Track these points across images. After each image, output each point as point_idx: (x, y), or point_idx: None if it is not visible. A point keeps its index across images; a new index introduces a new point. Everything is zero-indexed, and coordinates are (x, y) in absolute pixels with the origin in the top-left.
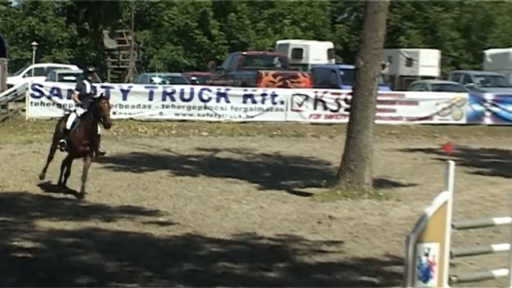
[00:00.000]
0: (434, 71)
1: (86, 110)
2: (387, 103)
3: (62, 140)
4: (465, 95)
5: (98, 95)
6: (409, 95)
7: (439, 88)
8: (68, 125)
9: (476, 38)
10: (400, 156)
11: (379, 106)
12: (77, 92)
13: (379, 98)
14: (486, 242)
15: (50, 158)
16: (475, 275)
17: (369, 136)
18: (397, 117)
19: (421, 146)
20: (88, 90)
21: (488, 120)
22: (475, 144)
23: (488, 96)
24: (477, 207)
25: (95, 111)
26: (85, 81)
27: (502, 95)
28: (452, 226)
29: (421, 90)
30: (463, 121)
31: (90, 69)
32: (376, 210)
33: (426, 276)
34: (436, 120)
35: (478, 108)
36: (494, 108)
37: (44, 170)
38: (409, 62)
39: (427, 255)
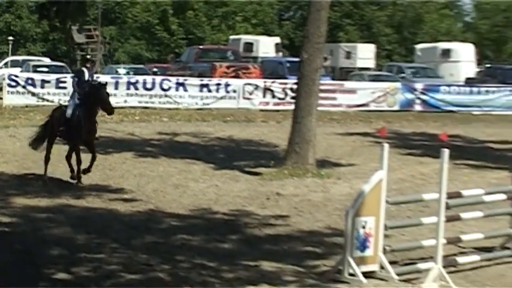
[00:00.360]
0: (371, 63)
1: (81, 97)
2: (328, 92)
3: (61, 128)
4: (398, 85)
5: (97, 83)
6: (348, 84)
7: (375, 78)
8: (69, 113)
9: (408, 33)
10: (340, 140)
11: (321, 94)
12: (76, 79)
13: (321, 87)
14: (416, 216)
15: (48, 158)
16: (407, 245)
17: (312, 121)
18: (337, 104)
19: (358, 130)
20: (86, 77)
21: (418, 107)
22: (407, 128)
23: (419, 85)
24: (408, 184)
25: (96, 99)
26: (83, 69)
27: (430, 85)
28: (387, 201)
29: (359, 80)
30: (396, 108)
31: (89, 57)
32: (319, 188)
33: (363, 246)
34: (372, 107)
35: (409, 96)
36: (423, 97)
37: (45, 173)
38: (348, 55)
39: (364, 227)
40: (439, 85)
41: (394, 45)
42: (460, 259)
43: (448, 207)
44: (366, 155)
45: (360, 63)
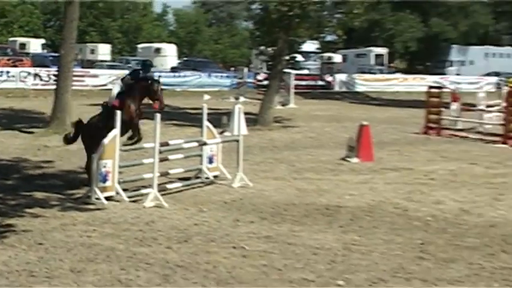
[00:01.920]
0: (108, 57)
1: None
2: (79, 76)
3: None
4: (126, 72)
5: (151, 77)
6: (93, 71)
7: (111, 67)
8: (113, 96)
9: (132, 37)
10: (88, 108)
11: (74, 78)
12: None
13: (74, 73)
14: (140, 158)
15: (90, 169)
16: (133, 178)
17: (68, 97)
18: (85, 85)
19: (99, 102)
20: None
21: None
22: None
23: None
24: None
25: (150, 91)
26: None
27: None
28: (120, 149)
29: (100, 68)
30: None
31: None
32: None
33: (104, 180)
34: (109, 86)
35: None
36: None
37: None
38: (92, 51)
39: (105, 167)
40: (154, 72)
41: (123, 45)
42: (169, 186)
43: (160, 152)
44: None
45: (100, 57)
